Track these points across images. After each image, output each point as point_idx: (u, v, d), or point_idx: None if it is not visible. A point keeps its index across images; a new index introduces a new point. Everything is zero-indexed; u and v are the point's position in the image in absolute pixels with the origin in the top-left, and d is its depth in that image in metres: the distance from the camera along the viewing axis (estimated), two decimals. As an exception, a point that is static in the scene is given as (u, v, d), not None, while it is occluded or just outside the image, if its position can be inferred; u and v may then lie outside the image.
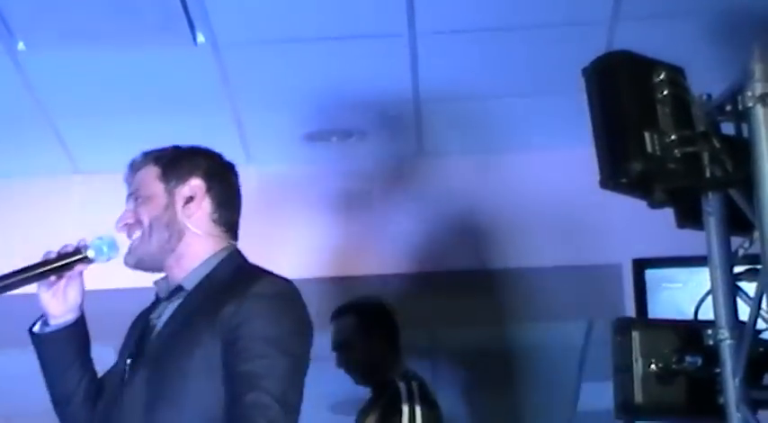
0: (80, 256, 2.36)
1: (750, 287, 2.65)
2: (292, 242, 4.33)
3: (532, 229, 4.30)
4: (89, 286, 2.42)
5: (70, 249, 2.37)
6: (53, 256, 2.36)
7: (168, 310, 2.38)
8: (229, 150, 4.16)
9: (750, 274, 2.67)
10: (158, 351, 2.32)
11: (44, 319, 2.41)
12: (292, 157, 4.33)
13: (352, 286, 4.29)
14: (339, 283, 4.32)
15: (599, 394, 5.48)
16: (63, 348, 2.41)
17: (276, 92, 3.90)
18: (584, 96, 2.76)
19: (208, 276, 2.38)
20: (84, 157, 4.18)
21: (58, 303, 2.38)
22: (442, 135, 4.26)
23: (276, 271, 4.33)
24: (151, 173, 2.45)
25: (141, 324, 2.41)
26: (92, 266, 2.37)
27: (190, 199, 2.43)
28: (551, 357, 5.37)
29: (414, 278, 4.37)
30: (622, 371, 2.68)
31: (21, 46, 3.52)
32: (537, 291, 4.42)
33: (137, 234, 2.39)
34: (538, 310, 4.61)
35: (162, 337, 2.34)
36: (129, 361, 2.35)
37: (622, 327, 2.72)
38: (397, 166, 4.39)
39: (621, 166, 2.64)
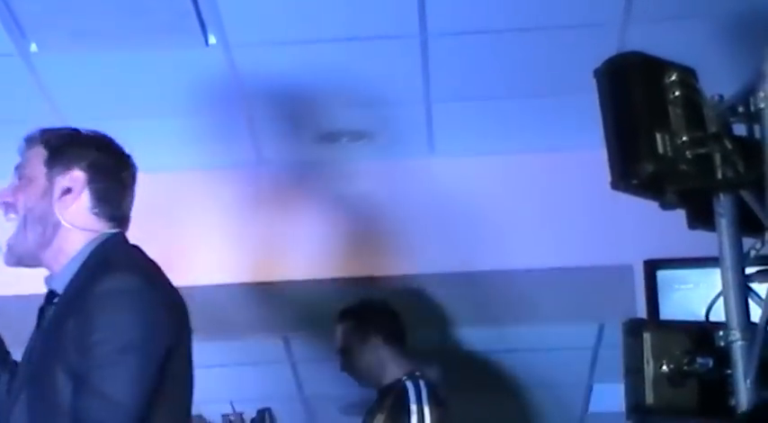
0: None
1: (762, 288, 2.64)
2: (305, 242, 4.33)
3: (543, 230, 4.30)
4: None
5: None
6: None
7: (47, 320, 2.26)
8: (241, 151, 4.25)
9: (762, 275, 2.66)
10: (30, 371, 2.21)
11: None
12: (303, 157, 4.33)
13: (364, 287, 4.30)
14: (352, 283, 4.32)
15: (610, 396, 5.48)
16: None
17: (287, 93, 3.90)
18: (596, 98, 2.76)
19: (74, 276, 2.24)
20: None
21: None
22: (454, 136, 4.26)
23: (290, 272, 4.38)
24: (39, 154, 2.33)
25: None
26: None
27: (67, 190, 2.30)
28: (562, 359, 5.36)
29: (428, 279, 4.37)
30: (633, 372, 2.67)
31: (33, 47, 3.53)
32: (548, 292, 4.41)
33: (12, 215, 2.29)
34: (549, 311, 4.60)
35: (33, 355, 2.22)
36: (9, 377, 2.26)
37: (633, 328, 2.71)
38: (408, 167, 4.38)
39: (633, 167, 2.64)
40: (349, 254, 4.32)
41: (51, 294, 2.28)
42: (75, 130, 2.41)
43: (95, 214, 2.30)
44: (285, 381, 5.51)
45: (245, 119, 4.05)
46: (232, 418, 4.71)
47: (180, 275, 4.15)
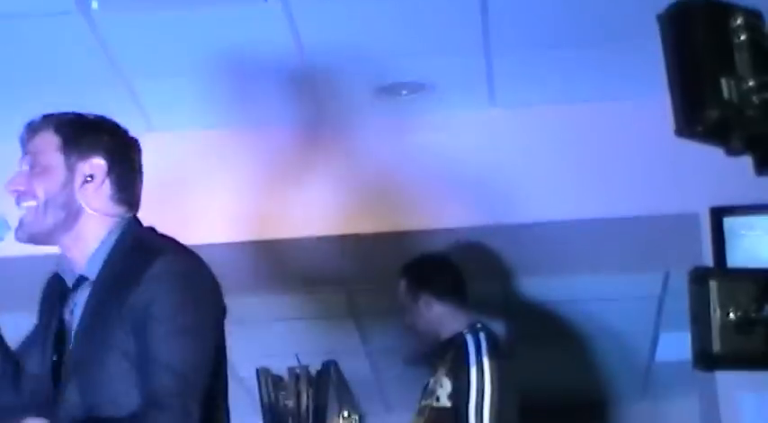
0: None
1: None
2: (366, 196, 4.33)
3: (608, 179, 4.26)
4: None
5: None
6: None
7: (78, 305, 2.32)
8: (300, 108, 4.24)
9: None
10: (80, 356, 2.26)
11: None
12: (364, 112, 4.32)
13: (427, 240, 4.30)
14: (413, 237, 4.32)
15: (677, 344, 5.44)
16: None
17: (345, 46, 3.89)
18: (658, 44, 2.71)
19: (108, 261, 2.32)
20: (157, 115, 4.22)
21: None
22: (514, 86, 4.22)
23: (354, 225, 4.40)
24: (51, 141, 2.37)
25: (55, 320, 2.34)
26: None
27: (89, 177, 2.35)
28: (628, 308, 5.34)
29: (490, 230, 4.36)
30: (700, 321, 2.64)
31: (94, 5, 3.54)
32: (613, 242, 4.39)
33: (29, 203, 2.32)
34: (614, 260, 4.57)
35: (79, 339, 2.27)
36: (51, 368, 2.30)
37: (699, 276, 2.67)
38: (468, 119, 4.36)
39: (697, 113, 2.59)
40: (410, 207, 4.31)
41: (80, 280, 2.33)
42: (82, 116, 2.43)
43: (115, 200, 2.37)
44: (349, 334, 5.55)
45: (303, 74, 4.05)
46: (298, 370, 4.76)
47: (237, 232, 4.24)
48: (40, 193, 2.33)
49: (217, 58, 3.90)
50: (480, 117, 4.34)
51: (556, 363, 5.68)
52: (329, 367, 5.07)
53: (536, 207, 4.28)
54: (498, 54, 3.98)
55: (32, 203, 2.33)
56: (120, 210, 2.38)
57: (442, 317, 3.93)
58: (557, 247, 4.47)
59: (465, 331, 3.88)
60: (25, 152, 2.38)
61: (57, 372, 2.30)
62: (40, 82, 3.94)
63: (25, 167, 2.37)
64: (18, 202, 2.34)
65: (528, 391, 3.88)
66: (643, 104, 4.13)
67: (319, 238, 4.34)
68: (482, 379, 3.74)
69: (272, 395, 4.46)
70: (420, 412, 3.83)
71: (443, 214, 4.30)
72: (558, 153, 4.30)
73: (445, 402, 3.80)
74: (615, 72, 4.13)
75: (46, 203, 2.33)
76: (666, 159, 4.14)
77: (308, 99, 4.20)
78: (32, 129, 2.40)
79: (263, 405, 4.55)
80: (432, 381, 3.87)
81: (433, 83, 4.16)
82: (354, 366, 5.14)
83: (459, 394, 3.76)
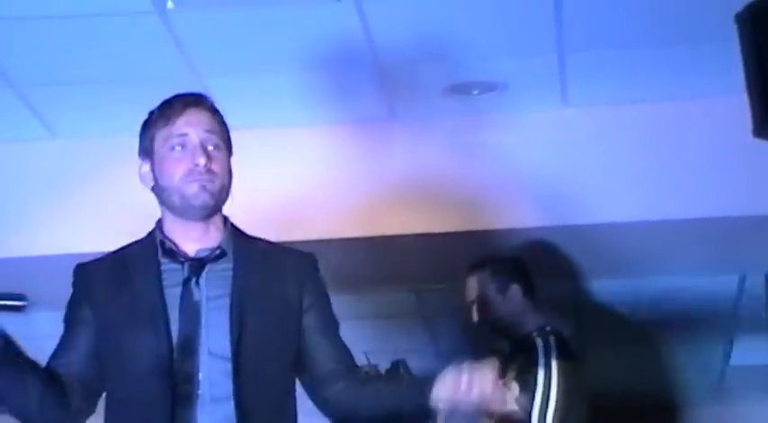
0: None
1: None
2: (434, 195, 4.32)
3: (683, 180, 4.20)
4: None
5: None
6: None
7: (215, 273, 2.40)
8: (372, 106, 4.24)
9: None
10: (258, 323, 2.37)
11: None
12: (433, 111, 4.31)
13: (490, 240, 4.28)
14: (482, 236, 4.30)
15: (752, 348, 5.37)
16: (5, 378, 2.33)
17: (418, 45, 3.88)
18: (734, 44, 2.68)
19: (234, 240, 2.45)
20: (235, 113, 4.22)
21: None
22: (587, 86, 4.19)
23: (421, 225, 4.39)
24: (220, 125, 2.48)
25: (154, 296, 2.39)
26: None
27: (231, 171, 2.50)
28: (703, 310, 5.27)
29: (558, 230, 4.33)
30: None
31: (170, 4, 3.57)
32: (688, 242, 4.33)
33: (216, 182, 2.41)
34: (688, 262, 4.52)
35: (246, 313, 2.37)
36: (198, 340, 2.36)
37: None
38: (540, 119, 4.33)
39: (776, 114, 2.56)
40: (480, 207, 4.29)
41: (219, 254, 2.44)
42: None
43: None
44: (418, 333, 5.55)
45: (375, 73, 4.05)
46: (367, 369, 4.76)
47: (310, 230, 4.25)
48: (223, 173, 2.45)
49: (290, 55, 3.91)
50: (552, 117, 4.31)
51: (628, 365, 5.62)
52: (398, 366, 5.07)
53: (608, 208, 4.24)
54: (571, 53, 3.95)
55: (218, 181, 2.43)
56: None
57: (522, 312, 3.90)
58: (630, 249, 4.42)
59: (534, 334, 3.85)
60: (205, 129, 2.45)
61: (188, 344, 2.36)
62: (118, 80, 3.99)
63: (209, 145, 2.44)
64: (205, 174, 2.41)
65: (600, 392, 3.85)
66: (719, 104, 4.07)
67: (388, 237, 4.34)
68: (549, 383, 3.71)
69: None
70: (489, 415, 3.80)
71: (514, 214, 4.28)
72: (632, 153, 4.26)
73: (512, 405, 3.77)
74: (690, 71, 4.08)
75: (223, 185, 2.45)
76: (742, 160, 4.08)
77: (379, 97, 4.20)
78: (197, 105, 2.48)
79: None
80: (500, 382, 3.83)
81: (505, 82, 4.14)
82: (423, 365, 5.11)
83: (525, 397, 3.73)
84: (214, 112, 2.48)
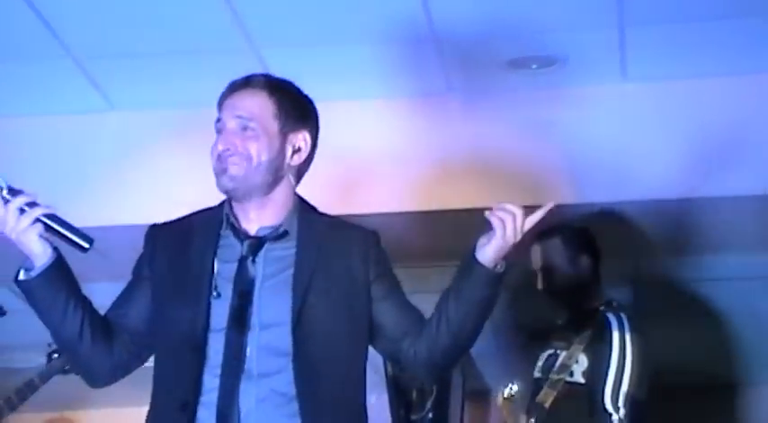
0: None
1: None
2: (492, 170, 4.30)
3: (746, 156, 4.14)
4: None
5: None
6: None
7: (275, 252, 2.42)
8: (431, 79, 4.23)
9: None
10: (320, 299, 2.39)
11: (25, 266, 2.41)
12: (492, 85, 4.28)
13: (555, 215, 4.24)
14: (534, 211, 4.26)
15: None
16: (54, 289, 2.40)
17: (477, 19, 3.86)
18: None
19: (303, 222, 2.47)
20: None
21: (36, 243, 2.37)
22: (647, 60, 4.14)
23: (475, 199, 4.39)
24: (266, 105, 2.46)
25: (206, 269, 2.41)
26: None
27: (297, 150, 2.48)
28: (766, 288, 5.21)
29: (616, 206, 4.29)
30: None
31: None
32: (750, 219, 4.28)
33: (240, 162, 2.41)
34: (752, 238, 4.47)
35: (308, 294, 2.38)
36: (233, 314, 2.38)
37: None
38: (600, 94, 4.29)
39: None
40: (539, 182, 4.27)
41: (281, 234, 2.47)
42: (292, 84, 2.54)
43: (301, 173, 2.53)
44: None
45: (435, 47, 4.03)
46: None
47: (361, 204, 4.25)
48: (255, 155, 2.43)
49: (348, 30, 3.91)
50: (612, 91, 4.27)
51: (691, 341, 5.56)
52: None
53: (667, 184, 4.19)
54: (631, 28, 3.90)
55: (244, 164, 2.43)
56: (295, 180, 2.53)
57: (589, 284, 3.88)
58: (693, 225, 4.38)
59: (602, 308, 3.82)
60: (235, 114, 2.46)
61: (240, 318, 2.38)
62: (177, 52, 4.00)
63: (235, 127, 2.45)
64: (225, 162, 2.43)
65: (662, 370, 3.82)
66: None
67: (446, 212, 4.33)
68: (623, 360, 3.69)
69: (397, 369, 4.49)
70: (552, 386, 3.78)
71: (573, 189, 4.25)
72: (692, 128, 4.21)
73: (579, 378, 3.76)
74: (751, 45, 4.02)
75: (259, 165, 2.44)
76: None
77: (438, 71, 4.18)
78: (241, 86, 2.48)
79: (387, 379, 4.58)
80: (564, 354, 3.81)
81: (564, 56, 4.11)
82: (478, 341, 5.11)
83: (596, 373, 3.71)
84: (261, 90, 2.47)
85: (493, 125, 4.32)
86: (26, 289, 2.42)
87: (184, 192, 4.30)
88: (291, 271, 2.41)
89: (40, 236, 2.38)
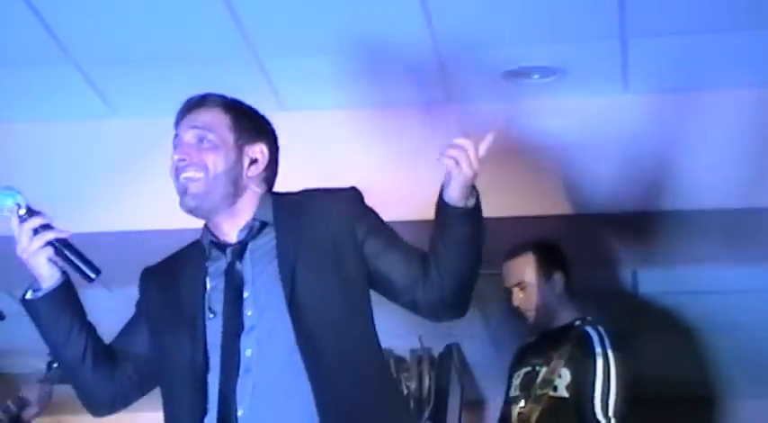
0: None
1: None
2: (491, 180, 4.29)
3: (741, 169, 4.14)
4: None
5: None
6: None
7: (259, 249, 2.43)
8: (430, 89, 4.23)
9: None
10: (312, 300, 2.38)
11: (33, 286, 2.44)
12: (493, 95, 4.28)
13: (540, 226, 4.26)
14: (531, 222, 4.28)
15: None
16: (59, 311, 2.43)
17: (477, 29, 3.86)
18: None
19: (278, 209, 2.48)
20: (288, 94, 4.25)
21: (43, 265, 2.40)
22: (649, 73, 4.14)
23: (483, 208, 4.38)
24: (221, 119, 2.50)
25: (197, 290, 2.43)
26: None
27: (254, 161, 2.51)
28: (745, 301, 5.21)
29: (612, 217, 4.29)
30: None
31: (229, -16, 3.59)
32: (753, 231, 4.28)
33: (196, 174, 2.44)
34: (737, 251, 4.46)
35: (302, 282, 2.38)
36: (248, 312, 2.38)
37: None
38: (601, 105, 4.29)
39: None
40: (535, 192, 4.27)
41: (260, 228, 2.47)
42: (241, 102, 2.58)
43: (264, 180, 2.54)
44: (472, 318, 5.53)
45: (434, 57, 4.03)
46: (420, 352, 4.78)
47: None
48: (212, 166, 2.46)
49: (347, 37, 3.91)
50: (613, 103, 4.27)
51: (668, 356, 5.58)
52: (451, 350, 5.07)
53: (669, 195, 4.19)
54: (634, 39, 3.90)
55: (200, 175, 2.45)
56: (264, 188, 2.54)
57: (561, 301, 3.92)
58: (676, 237, 4.38)
59: (578, 323, 3.84)
60: (191, 125, 2.50)
61: (233, 327, 2.39)
62: (178, 59, 4.01)
63: (191, 140, 2.49)
64: (181, 172, 2.47)
65: (640, 381, 3.83)
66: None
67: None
68: (608, 371, 3.72)
69: (395, 376, 4.49)
70: (536, 400, 3.80)
71: (569, 200, 4.25)
72: (691, 142, 4.21)
73: (563, 393, 3.77)
74: (754, 58, 4.02)
75: (216, 177, 2.46)
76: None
77: (437, 80, 4.19)
78: (198, 104, 2.53)
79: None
80: (544, 370, 3.82)
81: (564, 67, 4.11)
82: (476, 350, 5.12)
83: (582, 386, 3.73)
84: (216, 106, 2.51)
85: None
86: (31, 308, 2.45)
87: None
88: (276, 262, 2.41)
89: (49, 259, 2.41)
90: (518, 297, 3.93)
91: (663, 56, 4.02)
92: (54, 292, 2.42)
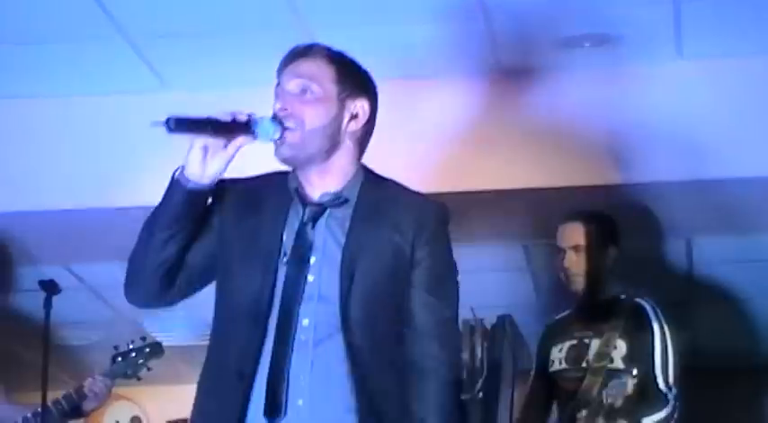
0: (246, 131, 2.36)
1: None
2: (543, 149, 4.28)
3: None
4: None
5: (243, 119, 2.37)
6: (227, 118, 2.37)
7: (335, 219, 2.41)
8: (478, 58, 4.20)
9: None
10: (368, 274, 2.38)
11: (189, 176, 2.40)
12: (544, 64, 4.25)
13: (599, 195, 4.23)
14: (589, 191, 4.25)
15: None
16: (185, 210, 2.39)
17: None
18: None
19: (363, 190, 2.45)
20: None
21: (200, 165, 2.37)
22: (704, 38, 4.08)
23: (529, 179, 4.36)
24: (325, 71, 2.45)
25: (280, 227, 2.40)
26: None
27: (354, 116, 2.46)
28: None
29: (671, 187, 4.25)
30: None
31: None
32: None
33: (293, 126, 2.39)
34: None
35: (359, 261, 2.38)
36: (308, 275, 2.38)
37: None
38: (654, 72, 4.23)
39: None
40: (591, 161, 4.24)
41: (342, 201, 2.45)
42: (352, 57, 2.53)
43: (362, 143, 2.50)
44: (525, 289, 5.52)
45: (485, 25, 4.00)
46: (473, 323, 4.76)
47: (425, 182, 4.24)
48: (310, 119, 2.42)
49: (399, 8, 3.89)
50: (667, 70, 4.22)
51: (714, 324, 5.53)
52: (504, 321, 5.05)
53: (725, 163, 4.14)
54: (687, 4, 3.84)
55: (297, 126, 2.41)
56: (360, 153, 2.50)
57: (611, 272, 3.90)
58: (732, 205, 4.33)
59: (624, 296, 3.83)
60: (295, 75, 2.45)
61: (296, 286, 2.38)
62: (229, 33, 4.01)
63: (294, 89, 2.44)
64: (282, 122, 2.41)
65: (695, 352, 3.82)
66: None
67: (498, 192, 4.31)
68: (665, 341, 3.72)
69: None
70: (595, 373, 3.79)
71: (626, 169, 4.21)
72: (749, 107, 4.15)
73: (619, 364, 3.77)
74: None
75: (314, 131, 2.42)
76: None
77: (490, 49, 4.16)
78: (303, 53, 2.48)
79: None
80: (597, 342, 3.81)
81: (618, 35, 4.06)
82: (529, 321, 5.09)
83: (641, 356, 3.73)
84: (322, 58, 2.47)
85: (545, 104, 4.29)
86: (174, 189, 2.40)
87: (237, 170, 4.32)
88: (341, 244, 2.41)
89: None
90: (571, 259, 3.91)
91: (717, 20, 3.96)
92: (194, 193, 2.38)
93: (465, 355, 4.58)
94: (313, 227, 2.41)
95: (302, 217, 2.42)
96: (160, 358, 4.57)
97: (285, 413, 2.32)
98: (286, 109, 2.41)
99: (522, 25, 4.01)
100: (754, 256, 5.07)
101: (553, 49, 4.13)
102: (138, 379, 4.57)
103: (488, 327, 4.98)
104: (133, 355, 4.50)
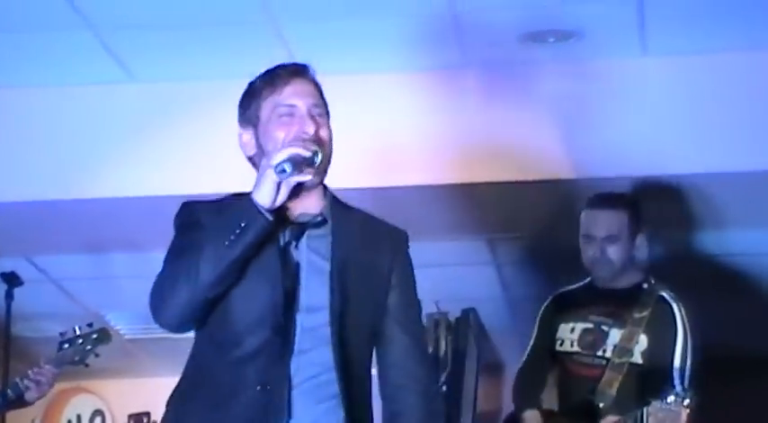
0: (312, 163, 2.40)
1: None
2: (508, 144, 4.29)
3: (764, 130, 4.11)
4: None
5: (308, 155, 2.39)
6: (307, 153, 2.38)
7: (316, 238, 2.44)
8: (444, 51, 4.21)
9: None
10: (354, 290, 2.42)
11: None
12: (508, 58, 4.26)
13: (562, 190, 4.24)
14: (554, 185, 4.27)
15: None
16: (256, 239, 2.38)
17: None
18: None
19: (336, 212, 2.48)
20: (306, 59, 4.22)
21: (271, 197, 2.36)
22: (668, 34, 4.11)
23: (493, 173, 4.37)
24: (318, 93, 2.49)
25: (274, 254, 2.41)
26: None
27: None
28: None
29: (631, 181, 4.28)
30: None
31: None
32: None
33: (323, 151, 2.42)
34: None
35: (346, 278, 2.41)
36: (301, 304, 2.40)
37: None
38: (618, 68, 4.26)
39: None
40: (552, 156, 4.26)
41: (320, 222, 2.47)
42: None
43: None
44: (489, 282, 5.53)
45: (451, 19, 4.01)
46: (437, 317, 4.79)
47: (385, 177, 4.25)
48: (330, 141, 2.47)
49: (365, 2, 3.89)
50: (631, 66, 4.24)
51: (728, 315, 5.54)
52: (468, 315, 5.07)
53: (687, 159, 4.18)
54: (651, 0, 3.87)
55: (325, 151, 2.44)
56: None
57: (635, 261, 3.82)
58: (709, 201, 4.36)
59: (646, 286, 3.76)
60: (310, 97, 2.46)
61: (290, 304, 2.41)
62: (196, 25, 3.99)
63: (313, 111, 2.46)
64: (308, 147, 2.40)
65: (710, 343, 3.77)
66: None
67: (461, 185, 4.32)
68: (686, 339, 3.66)
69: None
70: (615, 369, 3.69)
71: (586, 164, 4.24)
72: (712, 103, 4.18)
73: (638, 359, 3.71)
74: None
75: (331, 153, 2.47)
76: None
77: (454, 44, 4.17)
78: (302, 73, 2.49)
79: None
80: (619, 334, 3.74)
81: (581, 30, 4.08)
82: (494, 314, 5.13)
83: (661, 351, 3.66)
84: (316, 82, 2.51)
85: (509, 99, 4.30)
86: (266, 227, 2.38)
87: (202, 164, 4.31)
88: (328, 259, 2.43)
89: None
90: (604, 250, 3.78)
91: (681, 17, 3.98)
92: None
93: (430, 349, 4.59)
94: (296, 246, 2.44)
95: (283, 236, 2.43)
96: (108, 344, 4.43)
97: None
98: (317, 133, 2.44)
99: (488, 19, 4.02)
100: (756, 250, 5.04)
101: (518, 43, 4.15)
102: (86, 366, 4.40)
103: (453, 320, 5.00)
104: (80, 341, 4.33)
